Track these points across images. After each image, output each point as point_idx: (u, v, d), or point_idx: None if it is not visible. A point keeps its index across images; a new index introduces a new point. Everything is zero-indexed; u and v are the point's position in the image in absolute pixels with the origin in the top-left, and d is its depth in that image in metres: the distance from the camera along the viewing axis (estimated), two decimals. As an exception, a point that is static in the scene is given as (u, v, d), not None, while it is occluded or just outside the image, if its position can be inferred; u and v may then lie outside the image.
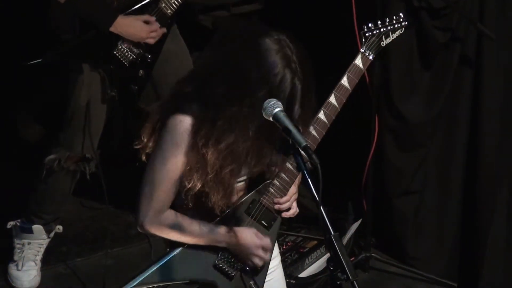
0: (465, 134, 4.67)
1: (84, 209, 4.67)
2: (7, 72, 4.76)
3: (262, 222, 2.95)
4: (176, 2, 3.87)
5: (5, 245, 4.21)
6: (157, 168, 2.82)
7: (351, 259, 4.33)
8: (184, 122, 2.77)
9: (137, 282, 2.92)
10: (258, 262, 2.94)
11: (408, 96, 4.57)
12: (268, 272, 3.04)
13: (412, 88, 4.57)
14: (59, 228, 4.21)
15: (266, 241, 2.93)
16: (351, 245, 4.48)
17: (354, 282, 2.49)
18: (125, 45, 3.85)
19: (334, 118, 3.16)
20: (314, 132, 3.06)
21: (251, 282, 2.96)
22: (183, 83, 2.87)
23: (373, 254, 4.49)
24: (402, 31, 3.41)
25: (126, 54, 3.86)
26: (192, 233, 2.87)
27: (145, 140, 2.87)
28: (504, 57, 4.55)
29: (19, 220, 4.16)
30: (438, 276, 4.54)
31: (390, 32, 3.37)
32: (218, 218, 2.89)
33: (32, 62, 3.72)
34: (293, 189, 2.98)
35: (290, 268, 4.22)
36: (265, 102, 2.63)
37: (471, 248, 4.72)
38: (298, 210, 3.04)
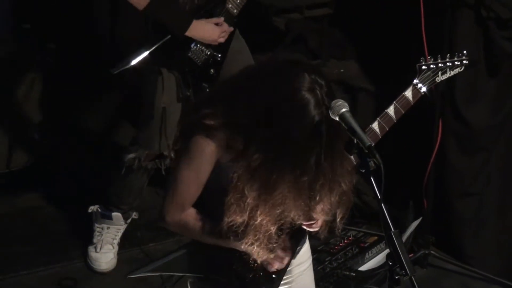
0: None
1: (158, 198, 4.40)
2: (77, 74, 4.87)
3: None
4: (241, 2, 3.91)
5: (85, 229, 4.30)
6: (182, 168, 2.75)
7: (410, 255, 4.13)
8: (211, 149, 2.71)
9: (153, 267, 2.91)
10: (273, 268, 2.87)
11: (473, 102, 4.53)
12: (293, 277, 2.99)
13: (477, 95, 4.52)
14: (136, 214, 4.29)
15: (283, 252, 2.87)
16: (411, 242, 4.43)
17: (412, 277, 2.46)
18: (198, 47, 3.91)
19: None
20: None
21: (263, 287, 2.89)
22: (218, 106, 2.72)
23: (431, 252, 4.47)
24: (462, 69, 3.32)
25: (199, 55, 3.93)
26: (212, 234, 2.79)
27: (177, 136, 2.83)
28: None
29: (99, 206, 4.24)
30: (495, 275, 4.47)
31: (448, 69, 3.27)
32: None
33: (118, 70, 3.78)
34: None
35: (350, 261, 4.21)
36: (332, 102, 2.59)
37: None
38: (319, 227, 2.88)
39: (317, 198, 2.71)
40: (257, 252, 2.75)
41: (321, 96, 2.61)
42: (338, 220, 2.78)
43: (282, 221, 2.73)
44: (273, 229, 2.70)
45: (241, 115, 2.65)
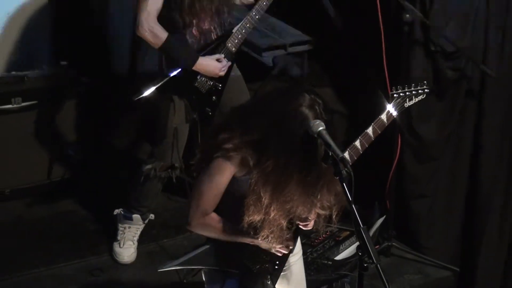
0: (469, 150, 4.72)
1: (170, 201, 4.71)
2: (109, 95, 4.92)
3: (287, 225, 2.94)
4: (238, 42, 3.98)
5: (111, 228, 4.34)
6: (204, 184, 2.83)
7: (376, 247, 4.25)
8: (229, 169, 2.78)
9: (178, 262, 2.95)
10: (281, 254, 2.95)
11: (425, 120, 4.61)
12: (289, 266, 3.06)
13: (428, 114, 4.60)
14: (152, 216, 4.37)
15: (288, 242, 2.94)
16: (377, 236, 4.43)
17: (378, 265, 2.54)
18: (203, 78, 3.98)
19: (356, 158, 3.19)
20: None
21: (268, 276, 2.95)
22: (233, 130, 2.77)
23: (393, 244, 4.50)
24: (424, 96, 3.46)
25: (204, 84, 3.98)
26: (232, 233, 2.87)
27: (198, 157, 2.90)
28: (502, 91, 4.58)
29: (122, 209, 4.31)
30: (444, 262, 4.54)
31: (413, 96, 3.39)
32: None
33: (138, 97, 3.83)
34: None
35: (328, 252, 4.24)
36: (310, 122, 2.69)
37: (471, 241, 4.78)
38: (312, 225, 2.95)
39: (319, 195, 2.80)
40: (271, 243, 2.83)
41: (319, 111, 2.73)
42: (334, 215, 2.88)
43: (291, 215, 2.82)
44: (284, 222, 2.80)
45: (254, 132, 2.73)
